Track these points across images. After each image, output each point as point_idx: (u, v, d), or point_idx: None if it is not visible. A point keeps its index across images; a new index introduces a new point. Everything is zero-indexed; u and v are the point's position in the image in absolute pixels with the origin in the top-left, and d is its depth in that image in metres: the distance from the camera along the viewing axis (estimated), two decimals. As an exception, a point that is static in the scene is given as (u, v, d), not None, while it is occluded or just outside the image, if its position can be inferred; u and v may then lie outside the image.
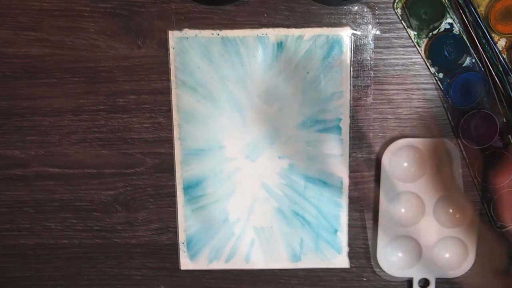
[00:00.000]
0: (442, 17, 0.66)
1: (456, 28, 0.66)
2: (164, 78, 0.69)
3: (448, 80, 0.67)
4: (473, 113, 0.67)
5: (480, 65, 0.67)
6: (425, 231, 0.70)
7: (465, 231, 0.70)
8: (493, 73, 0.66)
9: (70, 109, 0.70)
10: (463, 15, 0.65)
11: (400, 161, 0.70)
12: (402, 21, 0.67)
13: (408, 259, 0.72)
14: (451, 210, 0.71)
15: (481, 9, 0.65)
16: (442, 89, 0.68)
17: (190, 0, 0.67)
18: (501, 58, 0.66)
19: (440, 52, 0.66)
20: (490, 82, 0.67)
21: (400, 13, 0.67)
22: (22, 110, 0.70)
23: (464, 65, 0.67)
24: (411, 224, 0.70)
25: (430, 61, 0.67)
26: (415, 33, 0.67)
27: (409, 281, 0.73)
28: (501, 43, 0.66)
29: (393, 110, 0.69)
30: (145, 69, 0.69)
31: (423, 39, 0.67)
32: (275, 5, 0.67)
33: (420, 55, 0.67)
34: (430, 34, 0.67)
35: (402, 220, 0.71)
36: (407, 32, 0.67)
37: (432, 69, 0.68)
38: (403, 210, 0.71)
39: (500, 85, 0.66)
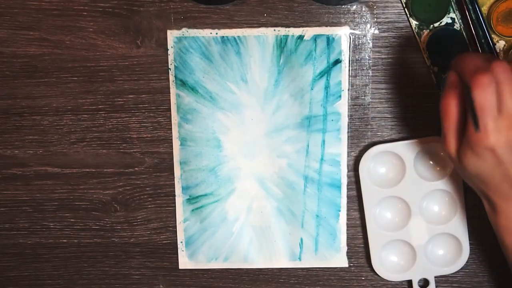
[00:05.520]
0: (446, 10, 0.66)
1: (458, 24, 0.66)
2: (163, 78, 0.69)
3: (442, 75, 0.67)
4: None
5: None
6: (415, 232, 0.70)
7: (455, 225, 0.70)
8: None
9: (69, 109, 0.70)
10: (466, 12, 0.65)
11: (377, 168, 0.70)
12: (406, 9, 0.66)
13: (403, 262, 0.71)
14: (436, 208, 0.71)
15: (484, 8, 0.65)
16: (435, 81, 0.68)
17: (189, 0, 0.67)
18: None
19: (439, 45, 0.66)
20: None
21: (405, 1, 0.66)
22: (21, 109, 0.70)
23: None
24: (400, 228, 0.70)
25: (427, 53, 0.67)
26: (417, 23, 0.67)
27: (409, 281, 0.73)
28: (500, 45, 0.66)
29: (391, 109, 0.69)
30: (144, 68, 0.69)
31: (424, 31, 0.67)
32: (274, 5, 0.67)
33: (419, 46, 0.67)
34: (431, 26, 0.66)
35: (390, 226, 0.71)
36: (408, 21, 0.67)
37: (428, 62, 0.67)
38: (389, 216, 0.71)
39: None
